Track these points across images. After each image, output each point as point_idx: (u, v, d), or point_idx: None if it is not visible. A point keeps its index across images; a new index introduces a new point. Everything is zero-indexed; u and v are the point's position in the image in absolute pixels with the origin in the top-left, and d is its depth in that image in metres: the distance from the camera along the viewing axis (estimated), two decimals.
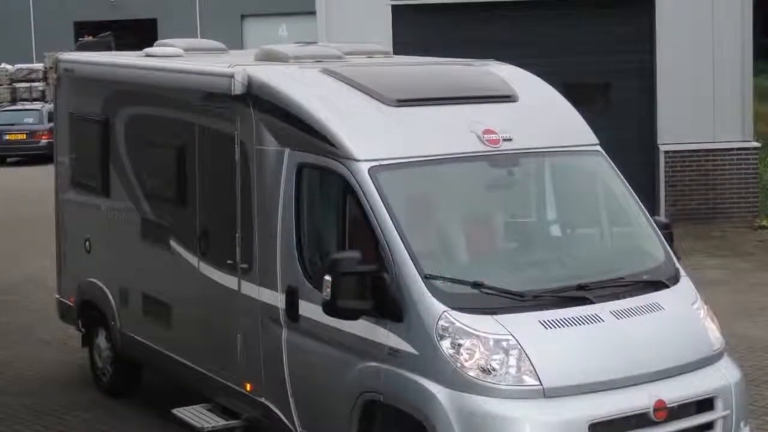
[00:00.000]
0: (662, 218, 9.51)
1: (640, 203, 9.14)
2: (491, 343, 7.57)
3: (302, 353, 8.68)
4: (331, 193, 8.59)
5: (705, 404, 8.01)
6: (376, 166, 8.22)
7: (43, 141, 34.19)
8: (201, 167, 9.98)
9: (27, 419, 11.28)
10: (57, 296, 12.82)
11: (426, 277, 7.77)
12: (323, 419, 8.55)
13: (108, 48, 17.29)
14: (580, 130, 9.35)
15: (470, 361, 7.54)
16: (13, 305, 15.99)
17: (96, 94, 11.73)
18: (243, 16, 58.50)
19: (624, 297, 8.13)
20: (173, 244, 10.38)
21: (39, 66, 45.02)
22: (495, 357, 7.54)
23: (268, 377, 9.05)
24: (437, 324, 7.63)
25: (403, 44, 17.81)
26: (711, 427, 8.01)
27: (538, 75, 9.90)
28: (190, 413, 9.84)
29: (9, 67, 44.33)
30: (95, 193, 11.77)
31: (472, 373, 7.52)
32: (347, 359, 8.19)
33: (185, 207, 10.21)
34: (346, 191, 8.29)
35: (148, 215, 10.87)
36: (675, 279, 8.58)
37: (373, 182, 8.12)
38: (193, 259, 10.05)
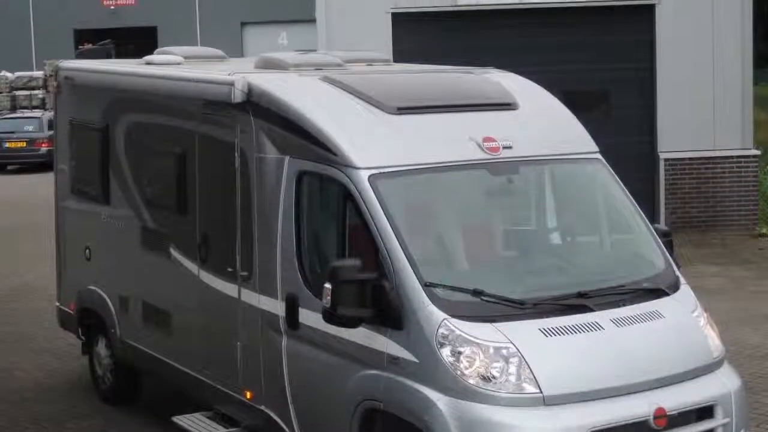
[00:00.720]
0: (662, 226, 9.52)
1: (640, 211, 9.13)
2: (491, 350, 7.57)
3: (302, 361, 8.67)
4: (331, 200, 8.59)
5: (705, 412, 8.01)
6: (376, 173, 8.21)
7: (43, 149, 34.19)
8: (201, 175, 9.98)
9: (27, 427, 11.26)
10: (57, 304, 12.81)
11: (426, 285, 7.77)
12: (323, 427, 8.54)
13: (108, 55, 17.33)
14: (580, 138, 9.35)
15: (470, 368, 7.54)
16: (13, 312, 15.97)
17: (96, 101, 11.72)
18: (243, 24, 58.51)
19: (624, 305, 8.13)
20: (173, 251, 10.37)
21: (39, 74, 44.98)
22: (495, 365, 7.54)
23: (268, 385, 9.05)
24: (437, 332, 7.63)
25: (402, 52, 17.81)
26: None
27: (538, 83, 9.90)
28: (190, 421, 9.84)
29: (9, 74, 44.31)
30: (95, 201, 11.77)
31: (472, 381, 7.52)
32: (347, 367, 8.18)
33: (185, 214, 10.20)
34: (346, 199, 8.28)
35: (148, 223, 10.86)
36: (675, 287, 8.58)
37: (373, 190, 8.12)
38: (193, 267, 10.04)
